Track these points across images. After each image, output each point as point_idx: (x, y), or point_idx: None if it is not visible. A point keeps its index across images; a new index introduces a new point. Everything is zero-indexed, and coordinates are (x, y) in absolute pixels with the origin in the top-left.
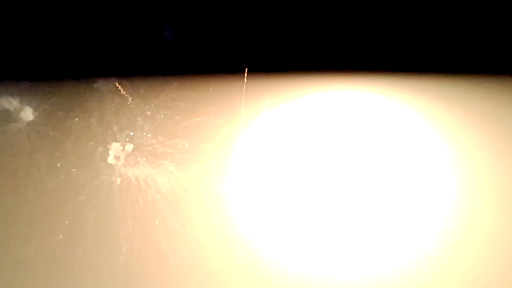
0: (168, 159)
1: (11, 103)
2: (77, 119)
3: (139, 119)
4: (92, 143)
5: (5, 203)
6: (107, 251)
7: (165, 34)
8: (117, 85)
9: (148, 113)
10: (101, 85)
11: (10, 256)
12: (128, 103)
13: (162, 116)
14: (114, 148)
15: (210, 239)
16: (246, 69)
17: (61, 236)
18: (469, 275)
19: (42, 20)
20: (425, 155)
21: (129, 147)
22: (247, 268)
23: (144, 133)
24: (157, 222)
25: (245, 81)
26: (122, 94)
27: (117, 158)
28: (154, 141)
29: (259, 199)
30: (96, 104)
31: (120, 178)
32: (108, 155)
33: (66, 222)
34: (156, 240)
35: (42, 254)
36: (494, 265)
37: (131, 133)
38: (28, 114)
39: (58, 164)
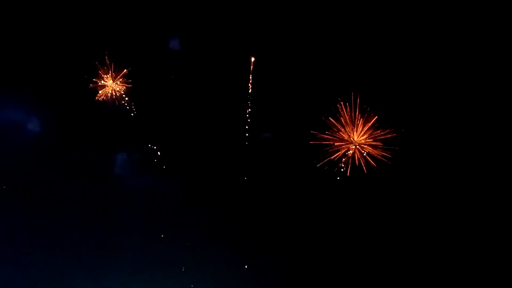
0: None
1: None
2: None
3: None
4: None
5: (15, 213)
6: (112, 260)
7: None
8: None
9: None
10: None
11: (16, 267)
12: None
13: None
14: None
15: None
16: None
17: (67, 246)
18: None
19: None
20: None
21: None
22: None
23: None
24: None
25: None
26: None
27: (123, 168)
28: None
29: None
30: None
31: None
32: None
33: (73, 232)
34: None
35: (49, 264)
36: None
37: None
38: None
39: (65, 175)
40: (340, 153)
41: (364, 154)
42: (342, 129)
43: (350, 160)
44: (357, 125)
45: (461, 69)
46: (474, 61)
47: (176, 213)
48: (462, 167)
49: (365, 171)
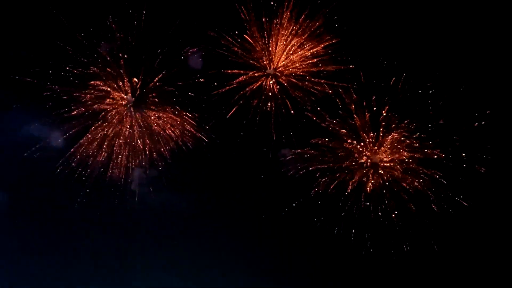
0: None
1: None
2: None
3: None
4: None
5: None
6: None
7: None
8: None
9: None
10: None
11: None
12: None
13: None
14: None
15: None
16: None
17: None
18: None
19: None
20: None
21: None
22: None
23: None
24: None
25: None
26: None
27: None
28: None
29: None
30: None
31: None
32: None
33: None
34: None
35: (64, 278)
36: None
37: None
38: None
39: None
40: (354, 180)
41: (388, 180)
42: (350, 140)
43: (368, 190)
44: (380, 135)
45: None
46: None
47: (192, 229)
48: None
49: (394, 219)
